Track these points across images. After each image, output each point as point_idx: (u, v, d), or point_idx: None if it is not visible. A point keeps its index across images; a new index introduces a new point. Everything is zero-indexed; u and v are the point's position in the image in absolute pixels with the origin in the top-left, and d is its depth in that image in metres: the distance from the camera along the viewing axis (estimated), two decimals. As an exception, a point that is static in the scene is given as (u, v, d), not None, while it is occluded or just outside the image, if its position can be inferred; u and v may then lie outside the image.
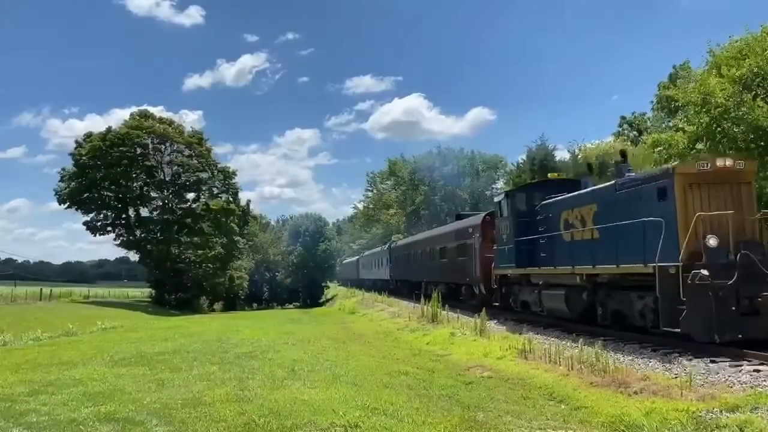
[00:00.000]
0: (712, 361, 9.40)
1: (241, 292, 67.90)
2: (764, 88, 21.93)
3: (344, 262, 79.92)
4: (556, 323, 15.62)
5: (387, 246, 43.59)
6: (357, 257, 64.62)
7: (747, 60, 21.70)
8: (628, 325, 12.33)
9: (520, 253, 16.08)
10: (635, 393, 7.96)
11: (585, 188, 14.80)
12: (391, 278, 40.65)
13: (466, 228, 23.23)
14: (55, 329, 22.42)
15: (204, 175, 53.45)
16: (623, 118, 49.89)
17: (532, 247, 15.61)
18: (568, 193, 15.15)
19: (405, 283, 35.21)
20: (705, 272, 9.46)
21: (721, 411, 6.56)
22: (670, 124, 32.88)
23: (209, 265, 52.72)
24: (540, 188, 17.05)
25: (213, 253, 53.00)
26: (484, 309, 16.21)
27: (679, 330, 9.88)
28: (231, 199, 55.11)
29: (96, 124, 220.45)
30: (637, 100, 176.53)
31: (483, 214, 22.32)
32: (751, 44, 22.47)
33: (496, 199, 19.23)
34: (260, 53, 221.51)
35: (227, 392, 8.03)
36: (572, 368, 9.68)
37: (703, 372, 8.70)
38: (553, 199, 15.52)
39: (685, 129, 23.93)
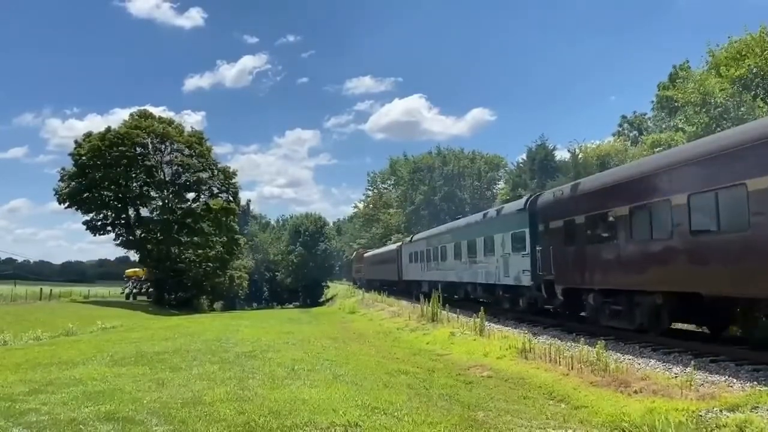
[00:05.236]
0: (712, 361, 9.43)
1: (241, 291, 68.13)
2: (764, 88, 21.96)
3: (365, 255, 57.60)
4: (557, 323, 15.59)
5: (525, 204, 18.10)
6: (398, 244, 41.46)
7: (746, 60, 21.77)
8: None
9: None
10: (635, 392, 7.97)
11: None
12: (540, 281, 16.41)
13: None
14: (55, 329, 22.45)
15: (204, 175, 53.38)
16: (624, 117, 49.86)
17: None
18: None
19: (627, 298, 12.65)
20: None
21: (721, 410, 6.56)
22: (671, 124, 32.93)
23: (209, 264, 52.72)
24: None
25: (213, 252, 53.01)
26: (482, 308, 16.12)
27: None
28: (231, 198, 55.08)
29: (96, 124, 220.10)
30: (637, 100, 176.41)
31: None
32: (750, 45, 22.55)
33: None
34: (261, 54, 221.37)
35: (227, 392, 8.01)
36: (572, 368, 9.68)
37: (703, 371, 8.71)
38: None
39: (685, 129, 23.95)
